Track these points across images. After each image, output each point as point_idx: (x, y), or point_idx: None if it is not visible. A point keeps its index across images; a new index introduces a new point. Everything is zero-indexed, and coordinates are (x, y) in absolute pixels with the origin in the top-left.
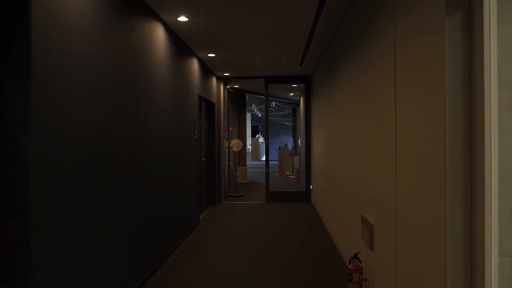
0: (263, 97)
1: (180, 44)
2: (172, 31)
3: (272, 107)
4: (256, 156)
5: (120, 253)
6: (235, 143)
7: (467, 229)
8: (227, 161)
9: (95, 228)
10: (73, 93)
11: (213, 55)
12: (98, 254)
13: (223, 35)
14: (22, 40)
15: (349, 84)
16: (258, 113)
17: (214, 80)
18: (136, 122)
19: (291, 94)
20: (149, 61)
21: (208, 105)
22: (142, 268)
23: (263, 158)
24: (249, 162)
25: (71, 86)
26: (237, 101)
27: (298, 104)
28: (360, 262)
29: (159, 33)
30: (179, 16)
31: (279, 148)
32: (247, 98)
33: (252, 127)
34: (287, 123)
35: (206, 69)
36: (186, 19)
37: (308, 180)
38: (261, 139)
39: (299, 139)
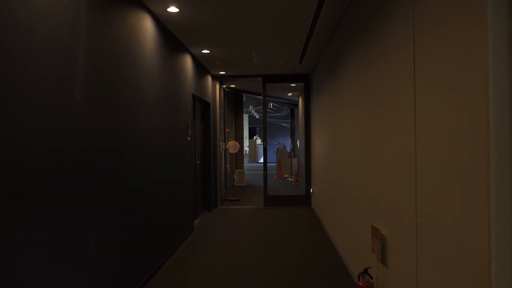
0: (261, 97)
1: (171, 38)
2: (162, 24)
3: (270, 108)
4: (253, 158)
5: (100, 271)
6: (231, 145)
7: None
8: (223, 164)
9: (68, 245)
10: (36, 86)
11: (208, 51)
12: (77, 271)
13: (217, 29)
14: None
15: (355, 81)
16: (255, 114)
17: (209, 79)
18: (119, 121)
19: (290, 94)
20: (136, 54)
21: (203, 105)
22: (126, 286)
23: (261, 160)
24: (246, 164)
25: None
26: (234, 101)
27: (297, 105)
28: (371, 278)
29: (147, 25)
30: (168, 7)
31: (277, 149)
32: (244, 99)
33: (249, 128)
34: (285, 125)
35: (201, 67)
36: (177, 10)
37: (308, 183)
38: (259, 141)
39: (298, 141)
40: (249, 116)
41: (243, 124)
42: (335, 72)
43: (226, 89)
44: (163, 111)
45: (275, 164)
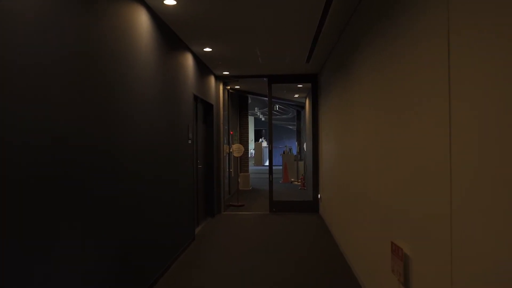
0: (266, 99)
1: (170, 34)
2: (159, 18)
3: (276, 110)
4: (259, 161)
5: (88, 286)
6: (236, 148)
7: None
8: (227, 168)
9: (58, 254)
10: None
11: (209, 49)
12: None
13: (218, 24)
14: None
15: (371, 80)
16: (261, 116)
17: (212, 79)
18: (110, 122)
19: (296, 95)
20: (129, 50)
21: (205, 107)
22: None
23: (267, 163)
24: (252, 167)
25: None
26: (239, 103)
27: (303, 107)
28: None
29: (141, 19)
30: None
31: (283, 152)
32: (249, 101)
33: (255, 131)
34: (291, 127)
35: (203, 67)
36: (174, 2)
37: (315, 188)
38: (265, 143)
39: (305, 143)
40: (254, 118)
41: (248, 126)
42: (346, 71)
43: (230, 90)
44: (161, 112)
45: (281, 167)
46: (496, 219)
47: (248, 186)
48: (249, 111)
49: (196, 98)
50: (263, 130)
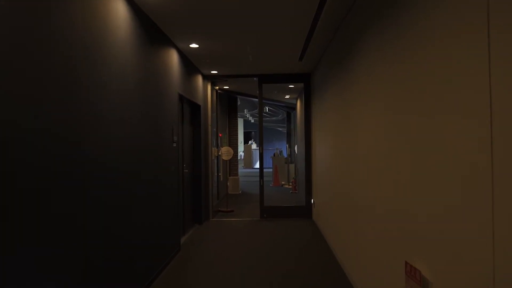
0: (256, 100)
1: (152, 27)
2: (138, 8)
3: (266, 112)
4: (248, 163)
5: None
6: (225, 151)
7: None
8: (216, 172)
9: None
10: None
11: (196, 45)
12: None
13: (206, 17)
14: None
15: (377, 76)
16: (250, 118)
17: (199, 79)
18: (77, 122)
19: (287, 96)
20: (101, 39)
21: (192, 108)
22: None
23: (257, 165)
24: (241, 170)
25: None
26: (228, 104)
27: (294, 108)
28: None
29: (118, 7)
30: None
31: (274, 155)
32: (239, 102)
33: (244, 133)
34: (280, 129)
35: (190, 65)
36: None
37: (308, 193)
38: (254, 146)
39: (296, 146)
40: (244, 120)
41: (237, 128)
42: (345, 68)
43: (219, 91)
44: (141, 112)
45: (271, 170)
46: None
47: (237, 190)
48: (238, 113)
49: (181, 98)
50: (253, 132)
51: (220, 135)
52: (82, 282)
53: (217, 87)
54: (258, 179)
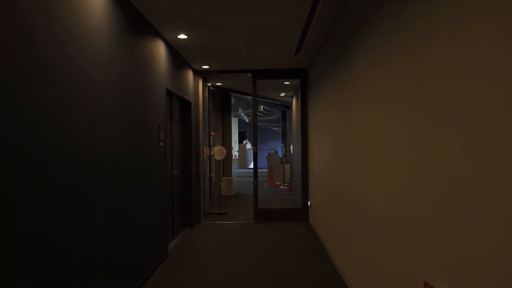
0: (250, 97)
1: (134, 15)
2: None
3: (260, 111)
4: (243, 163)
5: None
6: (217, 151)
7: None
8: (208, 172)
9: None
10: None
11: (185, 36)
12: None
13: (194, 2)
14: None
15: (382, 74)
16: (245, 117)
17: (190, 74)
18: (41, 117)
19: (282, 94)
20: (74, 23)
21: (182, 104)
22: None
23: (251, 166)
24: (236, 170)
25: None
26: (221, 102)
27: (289, 107)
28: None
29: None
30: None
31: (269, 155)
32: (233, 101)
33: (239, 132)
34: (275, 129)
35: (179, 59)
36: None
37: (304, 194)
38: (249, 145)
39: (291, 145)
40: (238, 119)
41: (231, 127)
42: (345, 61)
43: (211, 88)
44: (120, 107)
45: (265, 170)
46: None
47: (231, 191)
48: (232, 112)
49: (170, 93)
50: (247, 132)
51: (212, 134)
52: None
53: (209, 84)
54: (252, 179)
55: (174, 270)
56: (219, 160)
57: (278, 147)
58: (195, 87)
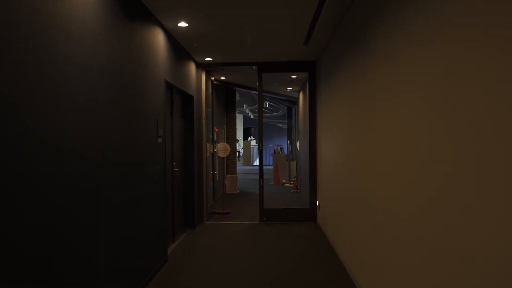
0: (255, 93)
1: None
2: None
3: (266, 108)
4: (248, 160)
5: None
6: (221, 148)
7: None
8: (211, 170)
9: None
10: None
11: (185, 24)
12: None
13: None
14: None
15: (421, 55)
16: (250, 114)
17: (192, 67)
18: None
19: (289, 89)
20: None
21: (184, 99)
22: None
23: (256, 163)
24: (240, 167)
25: None
26: (225, 97)
27: (295, 102)
28: None
29: None
30: None
31: (274, 152)
32: (238, 97)
33: (244, 129)
34: (281, 125)
35: (180, 50)
36: None
37: (312, 194)
38: (254, 142)
39: (298, 142)
40: (243, 116)
41: (236, 123)
42: (362, 50)
43: (215, 82)
44: (113, 100)
45: (271, 167)
46: None
47: (235, 189)
48: (237, 109)
49: (170, 86)
50: (252, 129)
51: (216, 130)
52: None
53: (213, 78)
54: (257, 177)
55: (174, 276)
56: (223, 158)
57: (283, 143)
58: (198, 81)
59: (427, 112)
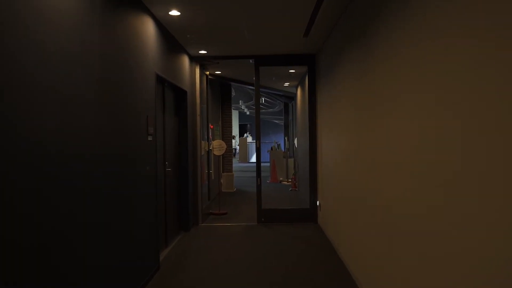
0: (252, 87)
1: None
2: None
3: (262, 104)
4: (244, 157)
5: None
6: (217, 145)
7: None
8: (206, 168)
9: None
10: None
11: (177, 13)
12: None
13: None
14: None
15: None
16: (246, 110)
17: (186, 60)
18: None
19: (286, 84)
20: None
21: (177, 94)
22: None
23: (252, 159)
24: (236, 164)
25: None
26: (221, 93)
27: (292, 98)
28: None
29: None
30: None
31: (271, 149)
32: (233, 93)
33: (240, 125)
34: (277, 121)
35: (172, 42)
36: None
37: (313, 193)
38: (250, 139)
39: (296, 139)
40: (239, 112)
41: (231, 119)
42: (368, 43)
43: (210, 77)
44: (94, 94)
45: (268, 164)
46: None
47: (232, 188)
48: (233, 104)
49: (162, 80)
50: (248, 125)
51: (211, 127)
52: None
53: (208, 72)
54: (254, 174)
55: (166, 285)
56: (219, 156)
57: (280, 140)
58: (192, 75)
59: (437, 109)
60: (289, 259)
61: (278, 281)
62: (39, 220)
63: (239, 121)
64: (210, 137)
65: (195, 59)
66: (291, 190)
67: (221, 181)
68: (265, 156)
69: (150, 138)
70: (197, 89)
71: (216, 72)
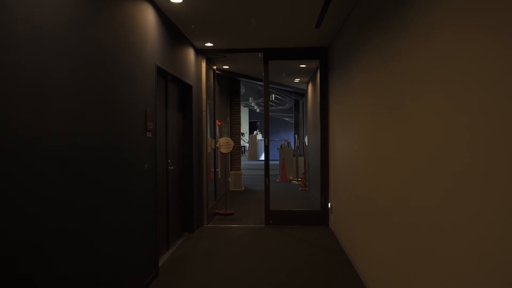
0: (261, 83)
1: None
2: None
3: (272, 101)
4: (253, 155)
5: None
6: (223, 143)
7: None
8: (213, 167)
9: None
10: None
11: (180, 0)
12: None
13: None
14: None
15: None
16: (256, 107)
17: (191, 53)
18: None
19: (297, 80)
20: None
21: (181, 88)
22: None
23: (262, 157)
24: (245, 162)
25: None
26: (229, 88)
27: (303, 95)
28: None
29: None
30: None
31: (281, 147)
32: (243, 90)
33: (250, 123)
34: (287, 119)
35: (176, 33)
36: None
37: (324, 194)
38: (260, 136)
39: (306, 137)
40: (249, 109)
41: (240, 116)
42: (393, 28)
43: (217, 72)
44: (84, 84)
45: (277, 162)
46: None
47: (240, 187)
48: (243, 102)
49: (164, 73)
50: (258, 122)
51: (219, 123)
52: None
53: (215, 67)
54: (263, 172)
55: None
56: (226, 154)
57: (290, 138)
58: (198, 69)
59: (466, 108)
60: (299, 267)
61: None
62: (6, 228)
63: (249, 119)
64: (218, 134)
65: (201, 52)
66: (301, 189)
67: (229, 179)
68: (275, 154)
69: (149, 135)
70: (203, 83)
71: (224, 67)
